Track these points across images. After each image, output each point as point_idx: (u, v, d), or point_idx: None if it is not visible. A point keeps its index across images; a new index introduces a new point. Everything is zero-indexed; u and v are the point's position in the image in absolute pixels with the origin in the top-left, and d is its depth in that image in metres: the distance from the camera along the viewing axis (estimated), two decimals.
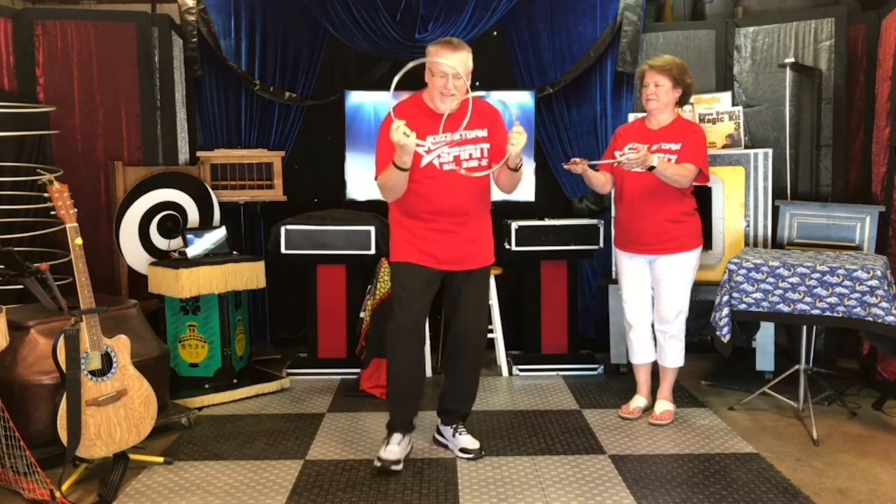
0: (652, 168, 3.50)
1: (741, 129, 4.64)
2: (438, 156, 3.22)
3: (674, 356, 3.86)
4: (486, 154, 3.29)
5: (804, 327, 3.85)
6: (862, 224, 4.21)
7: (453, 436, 3.49)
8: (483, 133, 3.28)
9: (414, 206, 3.26)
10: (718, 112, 4.69)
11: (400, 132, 2.96)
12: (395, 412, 3.40)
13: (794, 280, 3.58)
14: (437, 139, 3.21)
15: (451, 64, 3.09)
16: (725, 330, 3.72)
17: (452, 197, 3.23)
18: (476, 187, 3.28)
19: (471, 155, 3.25)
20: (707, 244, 4.29)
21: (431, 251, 3.27)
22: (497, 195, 3.44)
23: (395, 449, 3.29)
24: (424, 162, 3.21)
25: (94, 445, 3.09)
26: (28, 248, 4.39)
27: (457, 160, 3.23)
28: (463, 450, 3.44)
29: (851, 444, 3.54)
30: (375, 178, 3.26)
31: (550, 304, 4.90)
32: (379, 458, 3.26)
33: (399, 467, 3.26)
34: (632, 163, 3.51)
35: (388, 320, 3.39)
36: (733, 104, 4.80)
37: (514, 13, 5.06)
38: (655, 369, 3.96)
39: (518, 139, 3.07)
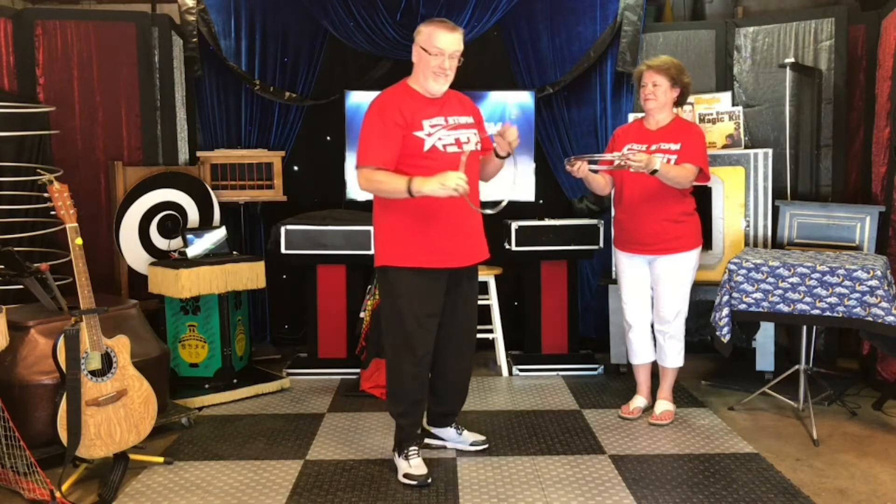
0: (655, 171, 3.50)
1: (741, 129, 4.63)
2: (440, 138, 3.13)
3: (673, 356, 3.86)
4: (475, 139, 3.25)
5: (804, 327, 3.85)
6: (862, 224, 4.21)
7: (459, 434, 3.50)
8: (470, 119, 3.25)
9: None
10: (718, 112, 4.68)
11: (463, 184, 2.87)
12: (410, 429, 3.25)
13: (794, 280, 3.58)
14: (434, 122, 3.15)
15: (449, 42, 3.06)
16: (725, 330, 3.72)
17: None
18: (475, 174, 3.22)
19: (469, 139, 3.20)
20: (707, 244, 4.30)
21: (443, 246, 3.14)
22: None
23: (418, 462, 3.18)
24: (427, 146, 3.11)
25: (94, 445, 3.09)
26: (28, 248, 4.39)
27: (458, 143, 3.17)
28: (474, 443, 3.47)
29: (851, 444, 3.54)
30: (359, 166, 3.08)
31: (550, 304, 4.89)
32: (408, 476, 3.13)
33: (430, 479, 3.13)
34: (636, 168, 3.49)
35: (389, 340, 3.24)
36: (733, 104, 4.80)
37: (514, 13, 5.06)
38: (655, 369, 3.96)
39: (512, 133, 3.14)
